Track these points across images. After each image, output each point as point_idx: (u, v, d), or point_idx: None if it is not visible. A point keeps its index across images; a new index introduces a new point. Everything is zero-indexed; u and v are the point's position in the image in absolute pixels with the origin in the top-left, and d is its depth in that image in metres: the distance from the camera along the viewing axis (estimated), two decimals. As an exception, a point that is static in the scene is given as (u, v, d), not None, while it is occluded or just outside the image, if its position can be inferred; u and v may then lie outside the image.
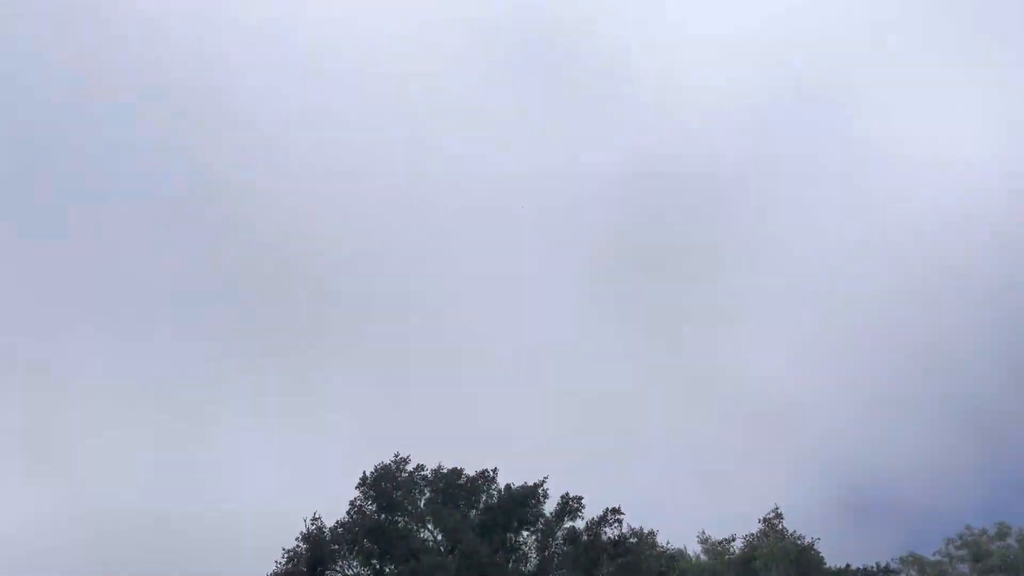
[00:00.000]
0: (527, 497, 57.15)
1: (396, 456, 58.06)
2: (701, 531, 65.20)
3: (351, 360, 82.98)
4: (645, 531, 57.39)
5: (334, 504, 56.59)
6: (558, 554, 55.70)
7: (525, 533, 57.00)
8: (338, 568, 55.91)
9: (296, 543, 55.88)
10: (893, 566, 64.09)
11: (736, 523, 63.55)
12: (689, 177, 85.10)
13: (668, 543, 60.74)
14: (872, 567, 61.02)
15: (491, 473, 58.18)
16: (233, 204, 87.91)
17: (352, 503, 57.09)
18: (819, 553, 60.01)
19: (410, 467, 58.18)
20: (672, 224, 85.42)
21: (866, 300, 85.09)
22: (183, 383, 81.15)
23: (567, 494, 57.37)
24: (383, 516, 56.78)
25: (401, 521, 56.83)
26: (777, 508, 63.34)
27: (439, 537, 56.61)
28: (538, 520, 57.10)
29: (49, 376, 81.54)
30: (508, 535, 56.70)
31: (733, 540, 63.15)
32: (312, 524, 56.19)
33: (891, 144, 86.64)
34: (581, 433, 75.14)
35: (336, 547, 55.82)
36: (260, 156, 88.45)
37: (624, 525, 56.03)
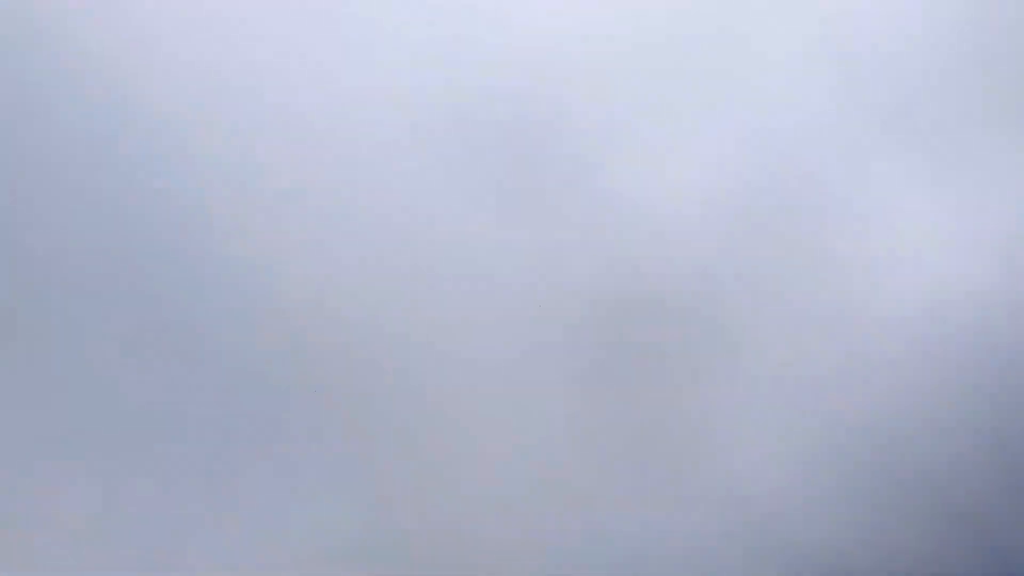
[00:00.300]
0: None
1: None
2: None
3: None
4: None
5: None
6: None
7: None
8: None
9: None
10: None
11: None
12: (668, 290, 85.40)
13: None
14: None
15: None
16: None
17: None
18: None
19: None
20: (650, 337, 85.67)
21: (854, 418, 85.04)
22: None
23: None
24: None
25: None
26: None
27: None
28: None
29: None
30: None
31: None
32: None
33: (862, 256, 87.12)
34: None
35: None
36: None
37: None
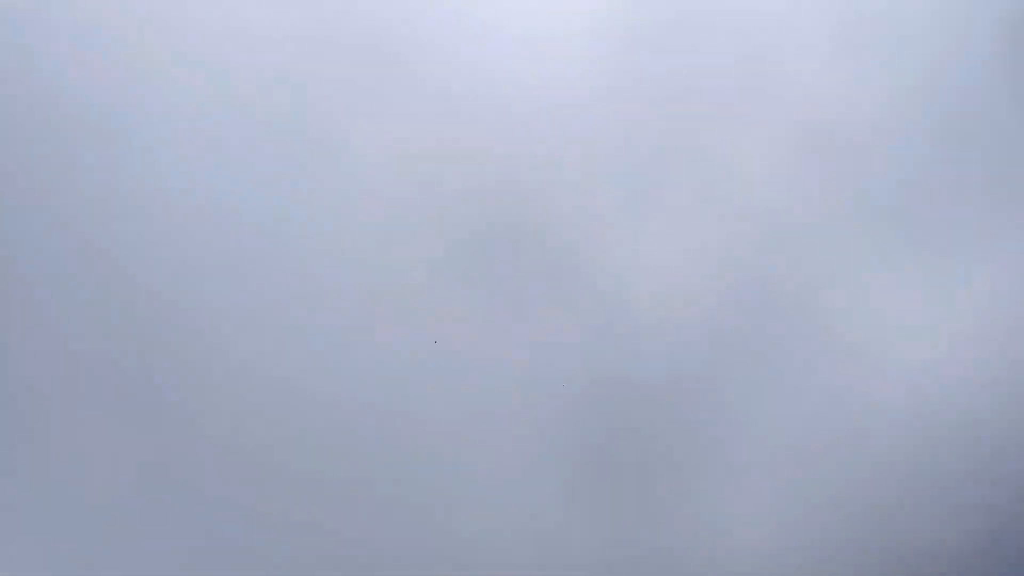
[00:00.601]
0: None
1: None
2: None
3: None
4: None
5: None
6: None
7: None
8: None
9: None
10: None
11: None
12: (657, 377, 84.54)
13: None
14: None
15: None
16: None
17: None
18: None
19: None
20: (637, 431, 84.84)
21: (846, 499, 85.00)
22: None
23: None
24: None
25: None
26: None
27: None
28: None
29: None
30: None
31: None
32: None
33: (857, 338, 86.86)
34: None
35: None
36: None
37: None
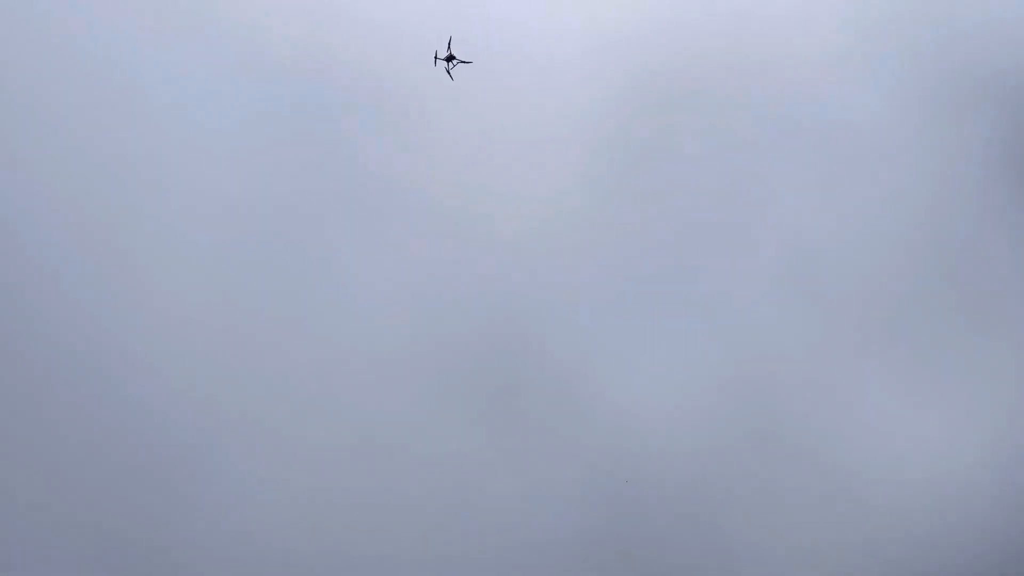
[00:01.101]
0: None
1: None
2: None
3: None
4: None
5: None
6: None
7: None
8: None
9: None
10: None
11: None
12: (659, 492, 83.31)
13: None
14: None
15: None
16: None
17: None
18: None
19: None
20: (641, 548, 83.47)
21: None
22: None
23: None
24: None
25: None
26: None
27: None
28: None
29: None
30: None
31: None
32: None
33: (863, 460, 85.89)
34: None
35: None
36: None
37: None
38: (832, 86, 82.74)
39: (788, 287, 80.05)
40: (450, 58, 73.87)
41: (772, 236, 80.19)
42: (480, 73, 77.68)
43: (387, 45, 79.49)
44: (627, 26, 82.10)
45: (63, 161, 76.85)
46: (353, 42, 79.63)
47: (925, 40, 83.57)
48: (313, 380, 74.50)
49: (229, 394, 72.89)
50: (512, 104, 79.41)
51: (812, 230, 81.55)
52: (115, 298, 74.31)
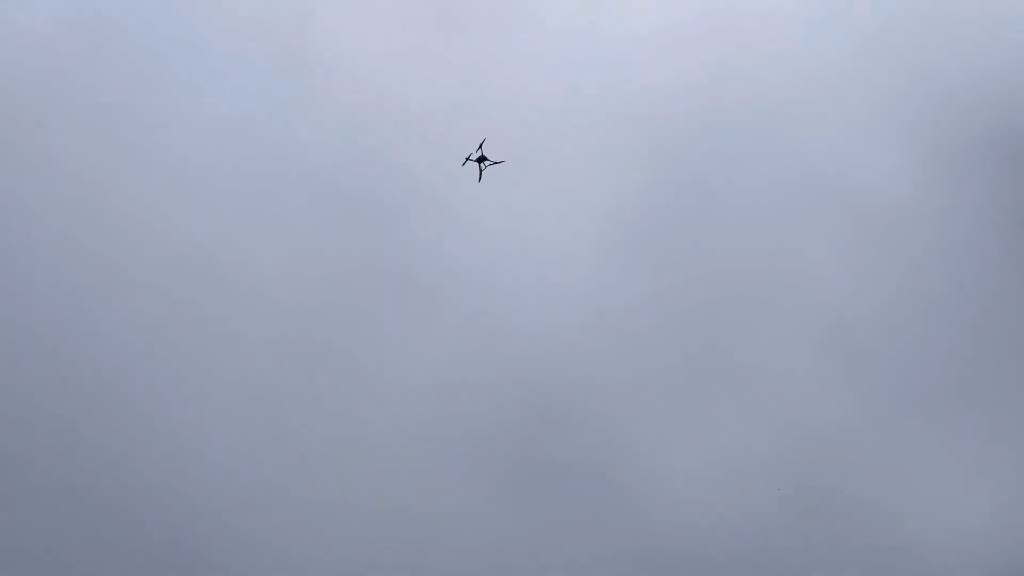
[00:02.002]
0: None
1: None
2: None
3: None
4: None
5: None
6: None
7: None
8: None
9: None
10: None
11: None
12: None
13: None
14: None
15: None
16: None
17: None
18: None
19: None
20: None
21: None
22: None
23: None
24: None
25: None
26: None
27: None
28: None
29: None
30: None
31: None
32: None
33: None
34: None
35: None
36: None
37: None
38: (859, 148, 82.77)
39: (826, 358, 79.29)
40: (481, 159, 73.64)
41: (806, 306, 79.73)
42: (508, 161, 78.18)
43: (408, 139, 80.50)
44: (647, 99, 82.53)
45: (128, 260, 77.54)
46: (385, 138, 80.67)
47: (954, 99, 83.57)
48: (351, 458, 74.62)
49: (269, 470, 73.17)
50: (539, 183, 79.94)
51: (848, 298, 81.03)
52: (157, 372, 74.97)
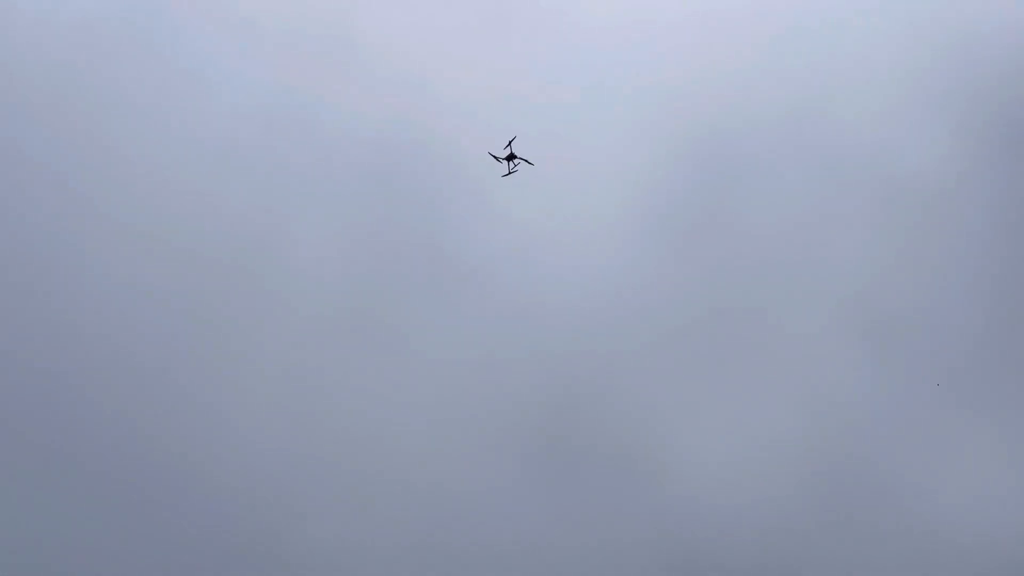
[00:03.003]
0: None
1: None
2: None
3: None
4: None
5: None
6: None
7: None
8: None
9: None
10: None
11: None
12: (725, 562, 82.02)
13: None
14: None
15: None
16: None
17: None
18: None
19: None
20: None
21: None
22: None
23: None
24: None
25: None
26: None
27: None
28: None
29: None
30: None
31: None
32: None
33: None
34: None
35: None
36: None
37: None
38: (894, 129, 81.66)
39: (857, 339, 78.87)
40: (511, 157, 71.80)
41: (838, 288, 79.46)
42: (539, 155, 79.14)
43: (450, 127, 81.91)
44: (680, 79, 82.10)
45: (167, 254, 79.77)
46: (429, 127, 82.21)
47: (984, 81, 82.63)
48: (386, 431, 75.91)
49: (306, 442, 74.78)
50: (571, 174, 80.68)
51: (880, 279, 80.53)
52: (206, 360, 77.03)
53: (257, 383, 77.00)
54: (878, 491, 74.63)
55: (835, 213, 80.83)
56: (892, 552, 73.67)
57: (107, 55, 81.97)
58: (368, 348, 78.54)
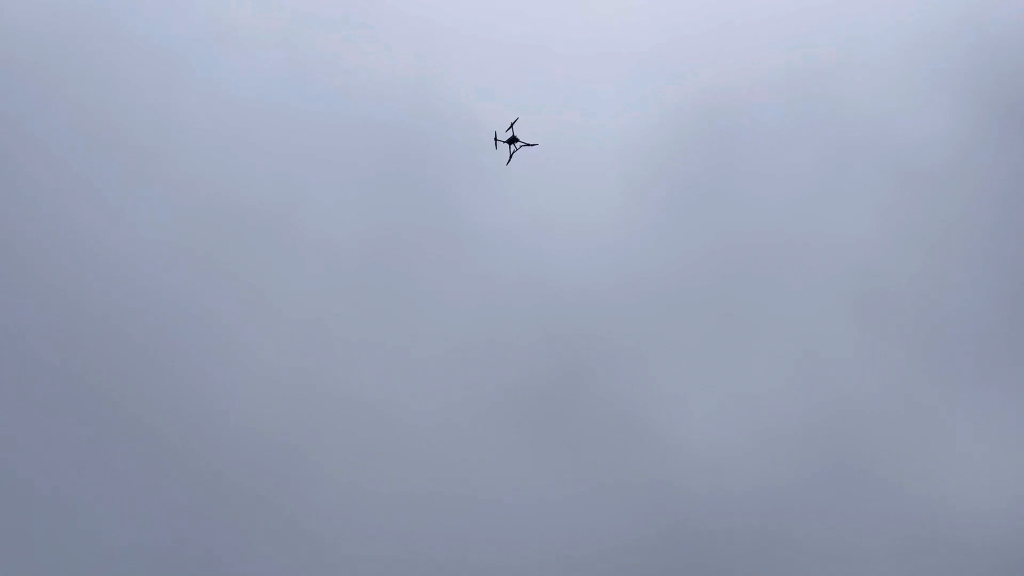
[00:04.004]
0: None
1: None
2: None
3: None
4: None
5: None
6: None
7: None
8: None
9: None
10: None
11: None
12: (718, 525, 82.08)
13: None
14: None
15: None
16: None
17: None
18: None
19: None
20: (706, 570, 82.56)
21: None
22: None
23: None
24: None
25: None
26: None
27: None
28: None
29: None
30: None
31: None
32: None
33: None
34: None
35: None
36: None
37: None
38: (896, 107, 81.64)
39: (859, 315, 78.72)
40: (512, 140, 70.11)
41: (840, 263, 79.08)
42: (542, 122, 77.97)
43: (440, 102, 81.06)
44: (683, 52, 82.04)
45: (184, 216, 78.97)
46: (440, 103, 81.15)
47: (988, 54, 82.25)
48: (389, 403, 75.88)
49: (309, 414, 74.80)
50: (570, 131, 79.79)
51: (883, 256, 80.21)
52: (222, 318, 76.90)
53: (264, 347, 76.92)
54: (875, 467, 74.69)
55: (838, 187, 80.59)
56: (887, 527, 73.82)
57: (120, 10, 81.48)
58: (373, 318, 78.16)
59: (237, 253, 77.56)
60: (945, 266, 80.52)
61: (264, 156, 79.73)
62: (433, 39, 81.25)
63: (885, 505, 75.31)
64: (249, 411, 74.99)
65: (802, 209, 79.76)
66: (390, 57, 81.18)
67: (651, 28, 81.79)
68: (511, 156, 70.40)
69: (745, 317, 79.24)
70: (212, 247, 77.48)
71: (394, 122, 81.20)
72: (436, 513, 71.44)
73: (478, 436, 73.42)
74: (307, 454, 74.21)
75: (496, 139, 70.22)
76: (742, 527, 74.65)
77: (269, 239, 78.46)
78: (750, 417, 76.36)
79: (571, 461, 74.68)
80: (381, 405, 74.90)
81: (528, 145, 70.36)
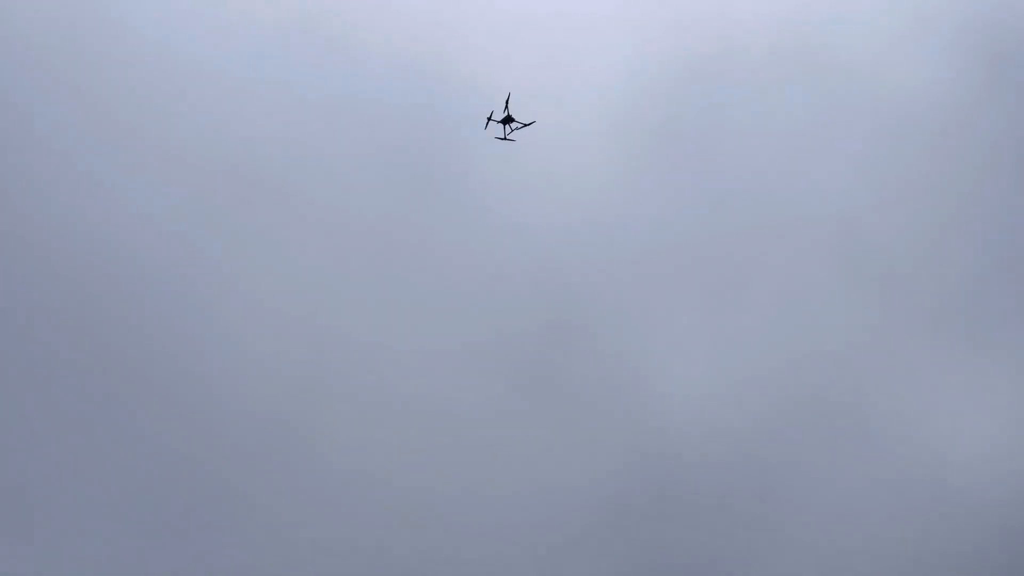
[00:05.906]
0: None
1: None
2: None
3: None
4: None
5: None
6: None
7: None
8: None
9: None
10: None
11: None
12: (704, 476, 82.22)
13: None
14: None
15: None
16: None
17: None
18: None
19: None
20: (678, 539, 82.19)
21: None
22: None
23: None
24: None
25: None
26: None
27: None
28: None
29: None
30: None
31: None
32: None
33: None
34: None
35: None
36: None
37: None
38: (889, 58, 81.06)
39: (841, 267, 78.86)
40: (507, 120, 66.04)
41: (824, 214, 79.25)
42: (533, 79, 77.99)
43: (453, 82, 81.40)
44: (677, 10, 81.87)
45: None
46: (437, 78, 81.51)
47: (987, 6, 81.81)
48: (389, 355, 76.51)
49: (315, 362, 75.50)
50: (562, 95, 79.88)
51: (867, 208, 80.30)
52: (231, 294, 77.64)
53: (270, 298, 78.01)
54: (856, 412, 75.08)
55: (825, 140, 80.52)
56: (867, 468, 74.31)
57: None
58: (372, 273, 78.90)
59: (245, 234, 78.34)
60: (932, 218, 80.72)
61: (272, 106, 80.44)
62: (430, 16, 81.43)
63: (865, 447, 75.76)
64: (259, 350, 75.39)
65: (789, 162, 79.77)
66: (389, 41, 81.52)
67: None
68: (506, 137, 66.55)
69: (733, 269, 79.61)
70: (223, 220, 78.26)
71: (392, 100, 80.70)
72: (436, 463, 72.40)
73: (474, 385, 74.13)
74: (314, 401, 74.89)
75: (489, 119, 66.43)
76: (728, 466, 75.15)
77: (275, 195, 79.17)
78: (737, 365, 76.72)
79: (566, 407, 75.35)
80: (380, 352, 75.57)
81: (524, 125, 66.77)
